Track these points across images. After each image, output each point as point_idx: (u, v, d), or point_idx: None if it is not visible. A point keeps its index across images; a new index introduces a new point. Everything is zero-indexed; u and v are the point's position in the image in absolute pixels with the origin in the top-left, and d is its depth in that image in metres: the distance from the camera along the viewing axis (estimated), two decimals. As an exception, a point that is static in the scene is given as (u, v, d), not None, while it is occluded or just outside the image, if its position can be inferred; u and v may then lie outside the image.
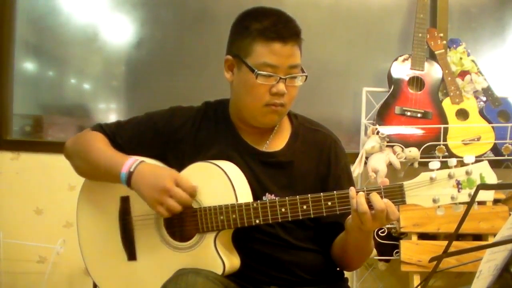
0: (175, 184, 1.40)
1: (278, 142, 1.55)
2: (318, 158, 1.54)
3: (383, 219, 1.31)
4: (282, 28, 1.42)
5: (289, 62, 1.43)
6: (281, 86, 1.43)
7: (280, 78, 1.42)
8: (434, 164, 1.30)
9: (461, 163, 1.31)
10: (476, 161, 1.30)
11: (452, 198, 1.30)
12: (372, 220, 1.31)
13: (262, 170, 1.50)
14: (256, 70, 1.41)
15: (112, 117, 2.84)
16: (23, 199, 2.66)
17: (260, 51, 1.42)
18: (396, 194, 1.32)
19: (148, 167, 1.45)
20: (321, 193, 1.37)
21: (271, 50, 1.41)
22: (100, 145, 1.55)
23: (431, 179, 1.31)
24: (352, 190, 1.33)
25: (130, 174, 1.43)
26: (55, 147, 2.56)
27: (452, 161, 1.30)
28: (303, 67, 1.48)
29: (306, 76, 1.47)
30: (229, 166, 1.46)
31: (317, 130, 1.60)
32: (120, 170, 1.44)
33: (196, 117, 1.57)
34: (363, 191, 1.33)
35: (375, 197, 1.30)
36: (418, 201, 1.32)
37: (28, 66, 2.86)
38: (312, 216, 1.37)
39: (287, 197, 1.38)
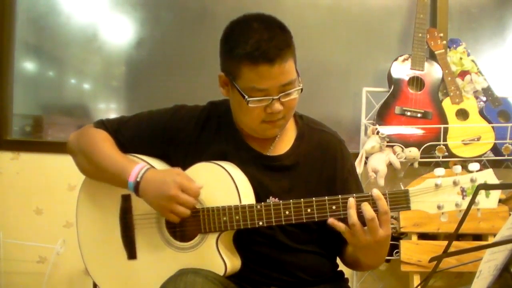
0: (180, 190, 1.39)
1: (283, 145, 1.53)
2: (322, 159, 1.52)
3: (375, 229, 1.29)
4: (267, 48, 1.33)
5: (280, 82, 1.36)
6: (276, 105, 1.38)
7: (273, 98, 1.37)
8: (439, 170, 1.31)
9: (463, 166, 1.32)
10: (477, 161, 1.30)
11: (457, 205, 1.31)
12: (364, 234, 1.30)
13: (265, 174, 1.49)
14: (246, 97, 1.37)
15: (112, 117, 2.83)
16: (23, 199, 2.66)
17: (247, 75, 1.36)
18: (401, 200, 1.32)
19: (153, 175, 1.42)
20: (326, 197, 1.35)
21: (258, 74, 1.34)
22: (105, 146, 1.52)
23: (436, 185, 1.31)
24: (350, 201, 1.31)
25: (137, 184, 1.42)
26: (55, 147, 2.56)
27: (457, 169, 1.31)
28: (300, 73, 1.42)
29: (302, 88, 1.41)
30: (233, 168, 1.46)
31: (322, 130, 1.58)
32: (127, 179, 1.43)
33: (200, 117, 1.56)
34: (368, 197, 1.32)
35: (366, 206, 1.30)
36: (423, 207, 1.32)
37: (28, 66, 2.86)
38: (316, 219, 1.36)
39: (291, 200, 1.37)
